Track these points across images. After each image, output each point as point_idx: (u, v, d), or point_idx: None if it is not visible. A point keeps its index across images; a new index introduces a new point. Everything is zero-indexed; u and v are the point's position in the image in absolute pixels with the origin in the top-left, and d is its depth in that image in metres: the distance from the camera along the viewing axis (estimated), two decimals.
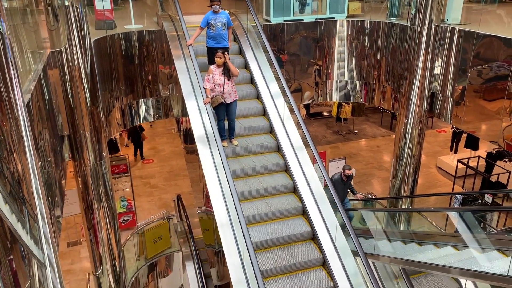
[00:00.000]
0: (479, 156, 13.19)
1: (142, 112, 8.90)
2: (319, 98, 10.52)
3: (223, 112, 6.82)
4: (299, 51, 9.76)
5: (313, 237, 6.15)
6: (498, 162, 12.70)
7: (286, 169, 6.93)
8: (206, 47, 7.46)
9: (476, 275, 5.16)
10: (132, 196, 12.10)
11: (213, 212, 6.20)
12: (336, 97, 10.51)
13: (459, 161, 13.21)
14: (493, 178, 12.56)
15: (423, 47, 8.53)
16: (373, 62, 9.85)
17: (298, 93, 10.18)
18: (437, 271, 6.15)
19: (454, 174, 13.41)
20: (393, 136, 11.19)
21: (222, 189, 6.26)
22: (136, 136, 15.28)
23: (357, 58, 9.99)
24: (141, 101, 8.82)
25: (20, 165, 2.24)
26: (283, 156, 6.95)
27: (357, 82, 10.19)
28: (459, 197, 10.74)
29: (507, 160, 12.72)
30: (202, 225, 10.49)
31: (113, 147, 14.34)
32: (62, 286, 2.32)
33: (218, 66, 6.69)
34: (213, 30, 7.22)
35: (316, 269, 5.86)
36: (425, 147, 12.34)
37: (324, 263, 5.89)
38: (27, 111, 2.48)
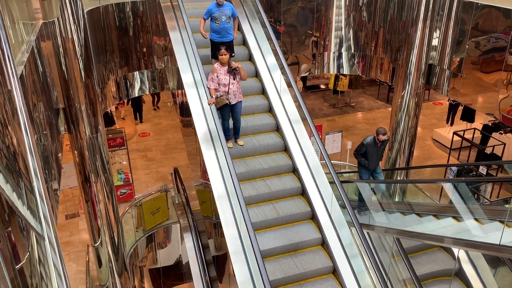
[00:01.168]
0: (474, 128, 13.24)
1: (137, 85, 8.83)
2: (316, 71, 10.44)
3: (227, 112, 6.49)
4: (296, 22, 9.63)
5: (312, 217, 6.22)
6: (494, 134, 12.77)
7: (278, 129, 7.03)
8: (210, 40, 7.16)
9: (469, 244, 5.26)
10: (129, 169, 12.14)
11: (210, 185, 6.25)
12: (333, 69, 10.43)
13: (454, 133, 13.26)
14: (488, 150, 12.65)
15: (421, 18, 8.42)
16: (370, 34, 9.73)
17: (295, 66, 10.10)
18: (431, 241, 6.27)
19: (449, 147, 13.49)
20: (390, 109, 11.18)
21: (220, 166, 6.28)
22: (135, 99, 15.30)
23: (355, 29, 9.86)
24: (136, 74, 8.73)
25: (15, 138, 2.23)
26: (282, 136, 6.95)
27: (354, 54, 10.10)
28: (454, 169, 10.83)
29: (502, 132, 12.78)
30: (200, 198, 10.59)
31: (109, 120, 14.30)
32: (61, 257, 2.35)
33: (223, 64, 6.32)
34: (217, 24, 6.87)
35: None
36: (421, 120, 12.36)
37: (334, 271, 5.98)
38: (20, 83, 2.45)
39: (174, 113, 16.93)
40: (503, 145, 12.41)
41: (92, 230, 7.56)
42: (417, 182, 8.92)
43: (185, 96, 7.09)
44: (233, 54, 7.24)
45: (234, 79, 6.33)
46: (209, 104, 6.31)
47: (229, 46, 6.85)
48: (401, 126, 9.56)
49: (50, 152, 5.69)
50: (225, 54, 6.21)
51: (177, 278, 10.72)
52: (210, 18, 6.98)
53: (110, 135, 11.58)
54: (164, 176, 12.80)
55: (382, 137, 7.59)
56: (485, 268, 6.50)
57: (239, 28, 8.14)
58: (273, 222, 6.07)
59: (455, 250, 6.47)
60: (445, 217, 6.38)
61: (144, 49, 8.58)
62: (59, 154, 6.46)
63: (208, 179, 6.42)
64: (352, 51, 10.08)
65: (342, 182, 6.51)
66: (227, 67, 6.29)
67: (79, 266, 9.41)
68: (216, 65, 6.36)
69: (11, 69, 2.25)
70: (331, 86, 17.55)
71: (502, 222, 5.09)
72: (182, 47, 7.46)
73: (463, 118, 14.17)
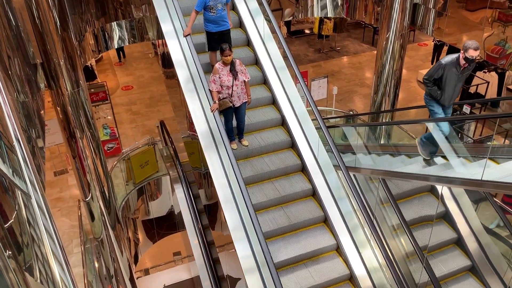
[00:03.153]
0: None
1: (116, 36, 8.55)
2: (300, 15, 10.19)
3: (231, 114, 6.04)
4: None
5: (302, 169, 6.29)
6: (478, 73, 12.81)
7: (274, 102, 6.87)
8: (206, 31, 6.52)
9: (451, 181, 5.42)
10: (114, 124, 12.03)
11: (197, 136, 6.24)
12: (317, 12, 10.19)
13: None
14: (472, 90, 12.74)
15: None
16: None
17: (278, 11, 9.83)
18: (416, 179, 6.44)
19: None
20: (375, 52, 11.08)
21: (208, 120, 6.24)
22: None
23: None
24: (114, 25, 8.43)
25: None
26: (270, 88, 6.85)
27: None
28: None
29: (486, 70, 12.82)
30: (188, 149, 10.64)
31: (90, 74, 13.98)
32: (49, 213, 2.36)
33: (225, 65, 5.77)
34: (213, 13, 6.27)
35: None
36: (406, 62, 12.30)
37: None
38: None
39: (156, 64, 16.59)
40: (486, 84, 12.50)
41: (82, 186, 7.59)
42: (402, 123, 9.01)
43: (166, 46, 6.89)
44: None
45: (237, 80, 5.82)
46: (212, 111, 5.78)
47: (227, 36, 6.44)
48: (386, 69, 9.52)
49: (32, 109, 5.59)
50: (229, 55, 5.66)
51: (170, 228, 10.96)
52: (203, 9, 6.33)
53: (92, 90, 11.37)
54: (150, 130, 12.74)
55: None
56: (467, 204, 6.74)
57: None
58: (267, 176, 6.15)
59: (439, 188, 6.66)
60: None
61: None
62: (42, 111, 6.35)
63: (194, 131, 6.40)
64: None
65: (328, 127, 6.56)
66: (229, 66, 5.77)
67: (72, 221, 9.54)
68: (218, 65, 5.81)
69: None
70: (315, 30, 17.23)
71: (483, 158, 5.23)
72: None
73: None
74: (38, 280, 2.03)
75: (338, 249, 5.69)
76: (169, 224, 10.91)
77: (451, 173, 5.59)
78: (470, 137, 9.78)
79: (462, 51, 5.33)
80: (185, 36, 6.39)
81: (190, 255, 9.84)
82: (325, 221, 5.87)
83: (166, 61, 14.53)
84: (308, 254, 5.59)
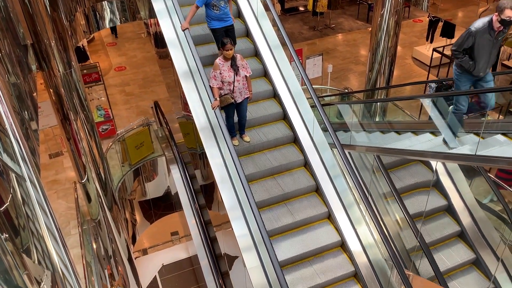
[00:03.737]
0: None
1: (107, 16, 8.40)
2: None
3: (232, 110, 5.91)
4: None
5: (295, 140, 6.29)
6: None
7: (256, 54, 6.82)
8: (210, 29, 6.40)
9: (447, 157, 5.45)
10: (108, 105, 11.95)
11: (192, 117, 6.21)
12: None
13: (434, 50, 13.21)
14: None
15: None
16: None
17: None
18: (411, 155, 6.48)
19: (429, 64, 13.49)
20: (370, 29, 10.97)
21: (202, 99, 6.20)
22: None
23: None
24: (105, 4, 8.27)
25: None
26: (261, 61, 6.80)
27: None
28: (433, 85, 10.91)
29: None
30: (183, 130, 10.61)
31: (82, 55, 13.80)
32: (44, 195, 2.36)
33: (226, 60, 5.60)
34: (217, 10, 6.08)
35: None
36: (401, 38, 12.22)
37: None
38: None
39: (149, 44, 16.40)
40: None
41: (78, 168, 7.57)
42: (396, 100, 9.00)
43: (158, 25, 6.79)
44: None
45: (238, 75, 5.66)
46: (213, 108, 5.65)
47: (232, 31, 6.29)
48: (381, 46, 9.46)
49: (24, 91, 5.52)
50: (231, 49, 5.49)
51: (167, 208, 11.02)
52: (204, 5, 6.13)
53: (84, 71, 11.24)
54: (145, 111, 12.67)
55: (510, 13, 4.69)
56: (461, 179, 6.81)
57: None
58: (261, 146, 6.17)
59: (433, 163, 6.71)
60: (424, 132, 6.54)
61: None
62: (34, 94, 6.28)
63: (189, 111, 6.37)
64: None
65: (323, 105, 6.55)
66: (230, 61, 5.61)
67: (68, 203, 9.55)
68: (218, 60, 5.63)
69: None
70: (310, 7, 17.02)
71: (477, 134, 5.25)
72: None
73: (443, 34, 14.03)
74: (36, 262, 2.04)
75: (330, 217, 5.75)
76: (166, 204, 10.97)
77: (446, 148, 5.62)
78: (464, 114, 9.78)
79: (495, 13, 4.82)
80: (183, 30, 6.20)
81: (188, 234, 9.93)
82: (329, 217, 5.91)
83: (159, 41, 14.36)
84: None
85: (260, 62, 6.81)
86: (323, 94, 11.76)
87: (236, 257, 8.90)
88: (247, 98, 5.89)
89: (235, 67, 5.60)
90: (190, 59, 6.36)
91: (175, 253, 11.22)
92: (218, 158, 5.87)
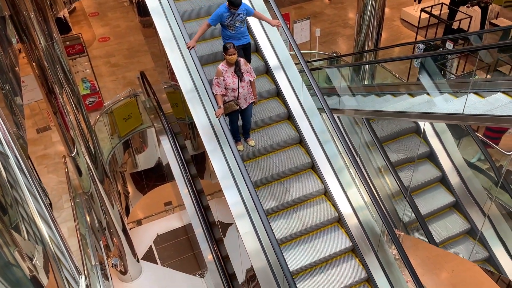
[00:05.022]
0: (442, 3, 13.04)
1: None
2: None
3: (237, 115, 5.62)
4: None
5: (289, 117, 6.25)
6: (461, 8, 12.64)
7: (257, 50, 6.69)
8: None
9: (434, 116, 5.49)
10: (94, 77, 11.75)
11: (179, 86, 6.13)
12: None
13: (422, 10, 13.06)
14: (455, 25, 12.62)
15: None
16: None
17: None
18: (400, 117, 6.51)
19: (417, 25, 13.37)
20: None
21: (189, 70, 6.09)
22: None
23: None
24: None
25: None
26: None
27: None
28: (421, 46, 10.86)
29: (469, 5, 12.64)
30: (170, 100, 10.49)
31: (64, 27, 13.45)
32: (29, 171, 2.33)
33: (229, 65, 5.30)
34: (232, 30, 5.63)
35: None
36: (388, 0, 12.04)
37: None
38: None
39: (132, 13, 15.99)
40: (469, 19, 12.37)
41: (66, 142, 7.51)
42: (384, 62, 8.95)
43: None
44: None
45: (243, 81, 5.35)
46: (217, 117, 5.31)
47: (248, 50, 5.92)
48: (369, 8, 9.31)
49: (6, 65, 5.39)
50: (234, 54, 5.18)
51: (159, 179, 11.05)
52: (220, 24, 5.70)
53: (67, 43, 10.98)
54: (131, 81, 12.49)
55: None
56: (450, 141, 6.88)
57: None
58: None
59: (421, 124, 6.75)
60: (413, 94, 6.56)
61: None
62: (16, 68, 6.13)
63: (176, 81, 6.28)
64: None
65: (312, 69, 6.49)
66: (234, 67, 5.30)
67: (59, 177, 9.53)
68: (221, 66, 5.31)
69: None
70: None
71: (465, 93, 5.28)
72: None
73: None
74: (26, 238, 2.04)
75: (326, 193, 5.82)
76: (157, 175, 10.98)
77: (434, 109, 5.65)
78: (453, 74, 9.81)
79: None
80: (188, 48, 5.66)
81: (181, 204, 10.00)
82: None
83: (142, 9, 13.99)
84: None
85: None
86: (312, 59, 11.65)
87: (230, 224, 9.02)
88: (252, 103, 5.65)
89: (239, 73, 5.31)
90: (175, 27, 6.22)
91: (169, 223, 11.34)
92: (208, 128, 5.85)
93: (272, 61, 6.38)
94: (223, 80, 5.28)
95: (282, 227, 5.50)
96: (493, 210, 6.05)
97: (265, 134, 6.02)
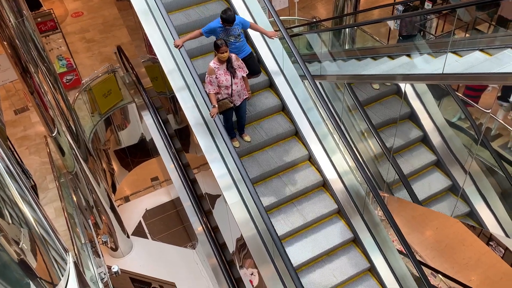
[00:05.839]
0: None
1: None
2: None
3: (231, 112, 5.52)
4: None
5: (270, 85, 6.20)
6: None
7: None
8: None
9: (415, 77, 5.52)
10: (69, 54, 11.44)
11: (158, 59, 6.02)
12: None
13: None
14: None
15: None
16: None
17: None
18: (380, 80, 6.53)
19: None
20: None
21: (166, 41, 5.96)
22: None
23: None
24: None
25: None
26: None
27: None
28: (400, 8, 10.78)
29: None
30: (150, 74, 10.33)
31: (34, 2, 12.93)
32: (7, 154, 2.29)
33: (221, 62, 5.12)
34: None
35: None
36: None
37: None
38: None
39: None
40: None
41: (46, 122, 7.36)
42: (362, 25, 8.88)
43: None
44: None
45: (236, 77, 5.19)
46: (212, 117, 5.16)
47: (251, 60, 5.62)
48: None
49: None
50: (226, 51, 4.99)
51: (144, 155, 10.98)
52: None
53: (39, 19, 10.61)
54: (108, 57, 12.20)
55: None
56: (430, 101, 6.95)
57: None
58: None
59: (402, 85, 6.78)
60: (393, 56, 6.56)
61: None
62: None
63: (155, 54, 6.16)
64: None
65: (292, 36, 6.42)
66: (225, 64, 5.14)
67: (42, 158, 9.39)
68: (213, 64, 5.13)
69: None
70: None
71: (444, 53, 5.30)
72: None
73: None
74: (11, 223, 2.02)
75: (311, 159, 5.87)
76: (142, 151, 10.91)
77: (414, 70, 5.67)
78: (432, 34, 9.80)
79: None
80: (177, 47, 5.41)
81: (168, 179, 10.01)
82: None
83: None
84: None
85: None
86: (292, 25, 11.50)
87: (218, 195, 9.08)
88: (246, 98, 5.54)
89: (231, 70, 5.16)
90: None
91: (157, 198, 11.37)
92: (190, 102, 5.79)
93: (252, 32, 6.27)
94: (216, 78, 5.12)
95: (270, 194, 5.56)
96: (474, 167, 6.20)
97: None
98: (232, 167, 5.40)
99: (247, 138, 5.79)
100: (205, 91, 5.29)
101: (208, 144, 5.60)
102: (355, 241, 5.55)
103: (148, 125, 9.59)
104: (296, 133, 5.96)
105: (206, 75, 5.20)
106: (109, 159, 10.67)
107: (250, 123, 5.96)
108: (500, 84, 4.93)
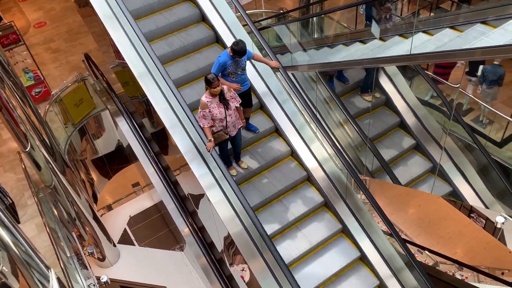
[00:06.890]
0: None
1: None
2: None
3: (227, 143, 5.46)
4: None
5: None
6: None
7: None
8: None
9: (385, 60, 5.59)
10: (36, 66, 11.18)
11: (127, 64, 5.93)
12: None
13: None
14: None
15: None
16: None
17: None
18: (351, 65, 6.59)
19: None
20: None
21: (134, 45, 5.87)
22: None
23: None
24: None
25: None
26: None
27: None
28: None
29: None
30: (120, 79, 10.18)
31: None
32: None
33: (213, 96, 5.00)
34: (233, 77, 5.32)
35: None
36: None
37: None
38: None
39: None
40: None
41: (18, 137, 7.17)
42: (328, 12, 8.93)
43: None
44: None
45: (229, 109, 5.08)
46: (208, 151, 5.08)
47: (248, 96, 5.62)
48: None
49: None
50: (218, 85, 4.89)
51: (123, 161, 10.84)
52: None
53: (0, 33, 10.32)
54: (76, 66, 11.97)
55: None
56: (402, 82, 7.06)
57: None
58: None
59: (373, 72, 6.87)
60: (364, 41, 6.62)
61: None
62: None
63: (123, 58, 6.06)
64: None
65: (260, 29, 6.40)
66: (218, 97, 5.02)
67: (17, 174, 9.18)
68: (205, 98, 5.01)
69: None
70: None
71: (410, 33, 5.38)
72: None
73: None
74: None
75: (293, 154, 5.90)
76: (120, 158, 10.77)
77: (383, 53, 5.74)
78: (398, 16, 9.92)
79: None
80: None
81: (149, 183, 9.90)
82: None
83: None
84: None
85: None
86: (260, 19, 11.48)
87: (201, 195, 9.05)
88: (241, 127, 5.46)
89: (224, 102, 5.06)
90: (112, 2, 5.94)
91: (140, 203, 11.24)
92: (163, 103, 5.74)
93: (220, 28, 6.24)
94: (209, 111, 5.03)
95: (254, 193, 5.57)
96: (449, 144, 6.33)
97: None
98: (213, 165, 5.37)
99: (243, 165, 5.71)
100: (199, 126, 5.18)
101: (186, 144, 5.57)
102: (344, 231, 5.61)
103: (123, 131, 9.45)
104: (276, 130, 6.00)
105: (199, 110, 5.07)
106: (87, 169, 10.50)
107: None
108: (466, 60, 5.04)
